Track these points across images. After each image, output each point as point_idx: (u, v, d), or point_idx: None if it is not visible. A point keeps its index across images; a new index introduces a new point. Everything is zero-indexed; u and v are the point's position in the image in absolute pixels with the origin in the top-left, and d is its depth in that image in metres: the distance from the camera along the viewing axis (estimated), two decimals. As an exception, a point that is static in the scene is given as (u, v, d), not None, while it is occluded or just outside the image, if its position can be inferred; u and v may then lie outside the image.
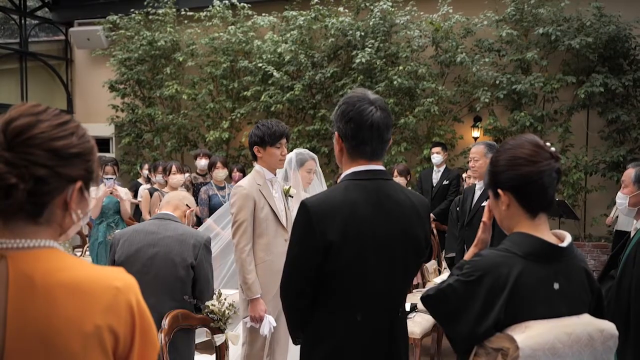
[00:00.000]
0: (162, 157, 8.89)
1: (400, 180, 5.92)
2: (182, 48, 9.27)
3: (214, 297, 3.13)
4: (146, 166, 7.63)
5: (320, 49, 8.29)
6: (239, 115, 8.65)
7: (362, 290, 1.90)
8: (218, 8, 8.82)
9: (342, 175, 2.00)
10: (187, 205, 3.24)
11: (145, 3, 9.30)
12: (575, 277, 1.60)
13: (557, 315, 1.52)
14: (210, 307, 3.05)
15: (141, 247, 2.98)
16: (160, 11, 9.22)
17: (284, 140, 3.27)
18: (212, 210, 5.57)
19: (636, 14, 7.04)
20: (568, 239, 1.62)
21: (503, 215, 1.65)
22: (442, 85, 7.77)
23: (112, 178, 5.50)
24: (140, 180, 7.87)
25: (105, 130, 9.90)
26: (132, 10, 9.41)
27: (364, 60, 7.56)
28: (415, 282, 5.16)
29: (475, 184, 4.18)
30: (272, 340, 3.32)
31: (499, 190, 1.62)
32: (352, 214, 1.86)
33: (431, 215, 5.48)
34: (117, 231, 4.86)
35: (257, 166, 3.33)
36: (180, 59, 9.02)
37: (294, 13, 8.32)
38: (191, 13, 9.01)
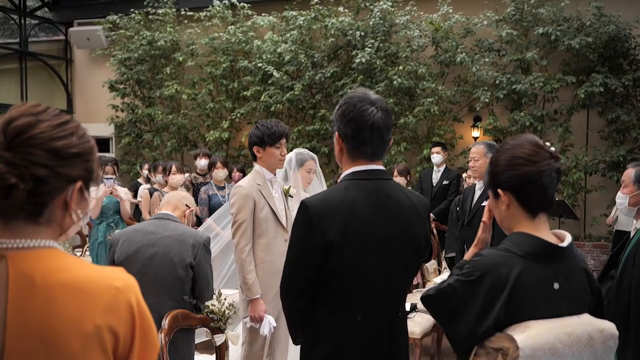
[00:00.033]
0: (162, 157, 8.89)
1: (400, 180, 5.92)
2: (182, 48, 9.26)
3: (214, 297, 3.13)
4: (146, 166, 7.63)
5: (320, 49, 8.29)
6: (238, 115, 8.65)
7: (362, 290, 1.89)
8: (218, 8, 8.82)
9: (342, 175, 2.00)
10: (186, 205, 3.24)
11: (145, 3, 9.30)
12: (576, 277, 1.60)
13: (557, 315, 1.52)
14: (210, 307, 3.05)
15: (140, 247, 2.98)
16: (160, 11, 9.21)
17: (283, 141, 3.26)
18: (212, 210, 5.57)
19: (636, 14, 7.04)
20: (568, 238, 1.62)
21: (503, 215, 1.65)
22: (442, 85, 7.77)
23: (112, 178, 5.50)
24: (140, 180, 7.87)
25: (105, 130, 9.90)
26: (132, 10, 9.41)
27: (363, 60, 7.56)
28: (415, 282, 5.16)
29: (475, 184, 4.18)
30: (272, 340, 3.32)
31: (499, 190, 1.62)
32: (352, 213, 1.86)
33: (431, 215, 5.49)
34: (116, 231, 4.87)
35: (256, 166, 3.33)
36: (180, 58, 9.02)
37: (294, 13, 8.32)
38: (191, 13, 9.01)
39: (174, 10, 9.21)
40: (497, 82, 7.31)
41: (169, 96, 9.04)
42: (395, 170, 6.17)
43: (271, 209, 3.25)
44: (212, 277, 3.13)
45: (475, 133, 7.97)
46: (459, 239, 4.20)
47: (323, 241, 1.84)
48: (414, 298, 4.32)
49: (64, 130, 1.09)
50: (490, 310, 1.51)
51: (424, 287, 5.15)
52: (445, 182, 6.51)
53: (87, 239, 6.28)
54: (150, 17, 9.29)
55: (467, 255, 1.72)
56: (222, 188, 5.91)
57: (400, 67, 7.56)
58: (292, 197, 3.54)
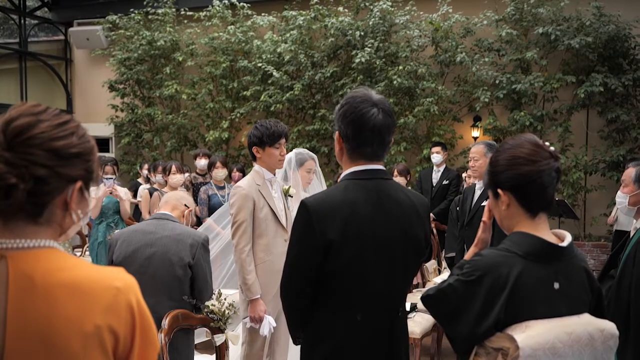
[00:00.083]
0: (162, 157, 8.89)
1: (400, 179, 5.92)
2: (181, 48, 9.26)
3: (214, 297, 3.13)
4: (146, 166, 7.63)
5: (319, 48, 8.29)
6: (238, 115, 8.65)
7: (362, 290, 1.89)
8: (217, 8, 8.82)
9: (342, 175, 2.00)
10: (185, 205, 3.24)
11: (144, 3, 9.30)
12: (576, 276, 1.60)
13: (558, 315, 1.52)
14: (210, 307, 3.05)
15: (139, 247, 2.98)
16: (159, 11, 9.21)
17: (283, 141, 3.26)
18: (211, 210, 5.57)
19: (636, 14, 7.04)
20: (568, 238, 1.61)
21: (503, 215, 1.65)
22: (441, 85, 7.77)
23: (111, 178, 5.49)
24: (139, 180, 7.87)
25: (105, 130, 9.90)
26: (131, 10, 9.41)
27: (363, 60, 7.56)
28: (415, 282, 5.16)
29: (475, 184, 4.18)
30: (272, 340, 3.32)
31: (499, 190, 1.62)
32: (352, 213, 1.86)
33: (431, 215, 5.49)
34: (116, 231, 4.86)
35: (256, 166, 3.32)
36: (180, 58, 9.02)
37: (294, 13, 8.32)
38: (191, 13, 9.01)
39: (173, 10, 9.21)
40: (497, 81, 7.32)
41: (168, 96, 9.04)
42: (395, 170, 6.17)
43: (271, 209, 3.24)
44: (211, 276, 3.12)
45: (475, 133, 7.97)
46: (459, 239, 4.20)
47: (323, 241, 1.83)
48: (414, 298, 4.32)
49: (64, 130, 1.09)
50: (491, 310, 1.50)
51: (424, 287, 5.15)
52: (445, 182, 6.51)
53: (87, 239, 6.28)
54: (149, 17, 9.28)
55: (467, 255, 1.72)
56: (222, 188, 5.91)
57: (400, 67, 7.56)
58: (291, 197, 3.54)
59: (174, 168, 5.48)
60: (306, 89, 8.30)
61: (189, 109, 9.13)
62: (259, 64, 8.32)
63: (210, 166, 6.02)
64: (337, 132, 1.96)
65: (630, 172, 2.96)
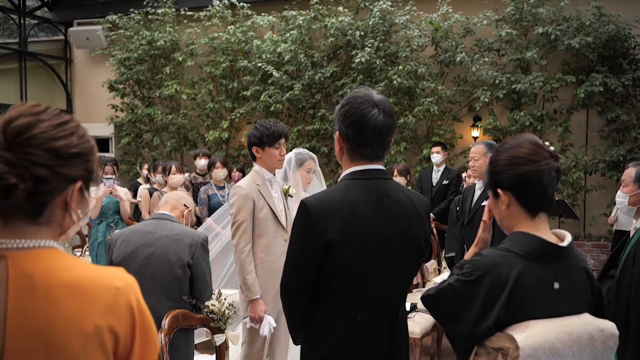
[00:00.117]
0: (162, 157, 8.89)
1: (400, 179, 5.93)
2: (181, 48, 9.26)
3: (214, 297, 3.13)
4: (146, 166, 7.63)
5: (319, 48, 8.29)
6: (238, 115, 8.65)
7: (362, 290, 1.89)
8: (217, 8, 8.82)
9: (342, 175, 2.00)
10: (184, 205, 3.24)
11: (144, 3, 9.29)
12: (576, 276, 1.60)
13: (557, 315, 1.52)
14: (210, 307, 3.05)
15: (137, 248, 2.98)
16: (159, 11, 9.21)
17: (282, 140, 3.26)
18: (211, 210, 5.57)
19: (635, 14, 7.04)
20: (568, 238, 1.61)
21: (503, 215, 1.65)
22: (441, 85, 7.77)
23: (111, 178, 5.49)
24: (139, 180, 7.87)
25: (105, 130, 9.90)
26: (131, 10, 9.41)
27: (363, 59, 7.56)
28: (415, 282, 5.16)
29: (475, 184, 4.18)
30: (272, 340, 3.32)
31: (499, 190, 1.62)
32: (352, 213, 1.86)
33: (431, 215, 5.49)
34: (115, 231, 4.87)
35: (256, 166, 3.32)
36: (180, 58, 9.02)
37: (294, 13, 8.32)
38: (190, 13, 9.01)
39: (173, 10, 9.21)
40: (497, 81, 7.32)
41: (168, 96, 9.04)
42: (395, 170, 6.17)
43: (271, 209, 3.24)
44: (210, 276, 3.12)
45: (475, 133, 7.97)
46: (458, 239, 4.20)
47: (323, 241, 1.83)
48: (414, 298, 4.32)
49: (64, 130, 1.09)
50: (491, 310, 1.50)
51: (424, 287, 5.15)
52: (445, 182, 6.51)
53: (86, 239, 6.28)
54: (149, 17, 9.28)
55: (468, 255, 1.72)
56: (222, 188, 5.90)
57: (400, 67, 7.56)
58: (291, 196, 3.54)
59: (173, 168, 5.48)
60: (306, 89, 8.30)
61: (188, 109, 9.13)
62: (259, 64, 8.32)
63: (210, 166, 6.02)
64: (337, 132, 1.95)
65: (630, 171, 2.96)
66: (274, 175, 3.38)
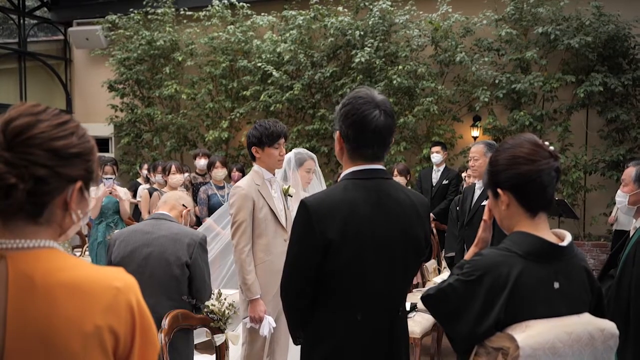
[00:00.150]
0: (162, 157, 8.89)
1: (400, 179, 5.93)
2: (181, 48, 9.26)
3: (214, 297, 3.13)
4: (145, 166, 7.63)
5: (319, 48, 8.29)
6: (238, 114, 8.65)
7: (361, 290, 1.89)
8: (217, 7, 8.82)
9: (342, 175, 2.00)
10: (183, 205, 3.24)
11: (144, 3, 9.29)
12: (576, 276, 1.60)
13: (557, 314, 1.52)
14: (210, 307, 3.05)
15: (136, 248, 2.98)
16: (159, 11, 9.21)
17: (282, 140, 3.25)
18: (211, 210, 5.57)
19: (635, 13, 7.04)
20: (568, 238, 1.61)
21: (503, 215, 1.65)
22: (441, 85, 7.77)
23: (111, 178, 5.49)
24: (139, 180, 7.86)
25: (105, 130, 9.90)
26: (131, 10, 9.40)
27: (363, 59, 7.56)
28: (415, 281, 5.16)
29: (475, 183, 4.18)
30: (272, 340, 3.32)
31: (499, 190, 1.62)
32: (351, 213, 1.86)
33: (431, 214, 5.48)
34: (115, 232, 4.87)
35: (255, 166, 3.32)
36: (180, 58, 9.02)
37: (293, 13, 8.32)
38: (190, 13, 9.01)
39: (173, 10, 9.20)
40: (497, 81, 7.32)
41: (168, 96, 9.04)
42: (395, 170, 6.17)
43: (270, 209, 3.24)
44: (209, 276, 3.12)
45: (475, 132, 7.97)
46: (458, 239, 4.20)
47: (322, 240, 1.83)
48: (414, 298, 4.32)
49: (64, 130, 1.09)
50: (491, 310, 1.50)
51: (424, 286, 5.15)
52: (445, 182, 6.52)
53: (86, 239, 6.28)
54: (149, 16, 9.28)
55: (468, 255, 1.72)
56: (222, 188, 5.90)
57: (400, 67, 7.56)
58: (291, 196, 3.54)
59: (173, 168, 5.48)
60: (306, 89, 8.30)
61: (188, 108, 9.13)
62: (259, 64, 8.32)
63: (210, 166, 6.02)
64: (337, 132, 1.95)
65: (630, 171, 2.97)
66: (274, 175, 3.38)
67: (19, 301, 1.04)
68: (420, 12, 7.90)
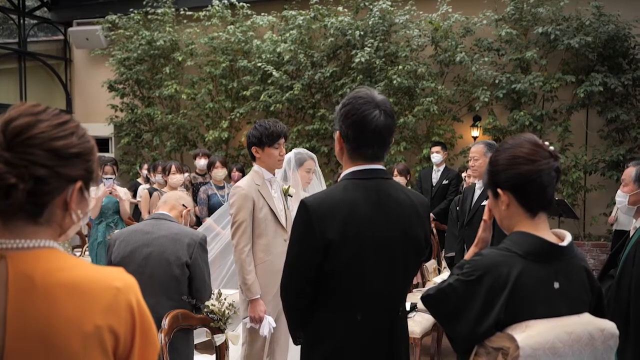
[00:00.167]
0: (162, 157, 8.89)
1: (400, 179, 5.92)
2: (181, 48, 9.26)
3: (214, 297, 3.13)
4: (145, 166, 7.63)
5: (319, 48, 8.29)
6: (238, 114, 8.65)
7: (361, 290, 1.89)
8: (217, 8, 8.82)
9: (342, 175, 2.00)
10: (183, 205, 3.24)
11: (144, 3, 9.29)
12: (576, 276, 1.60)
13: (557, 314, 1.52)
14: (210, 307, 3.05)
15: (136, 248, 2.98)
16: (159, 11, 9.21)
17: (282, 140, 3.25)
18: (211, 210, 5.57)
19: (635, 13, 7.04)
20: (568, 238, 1.61)
21: (503, 215, 1.65)
22: (441, 85, 7.77)
23: (111, 178, 5.49)
24: (139, 180, 7.86)
25: (105, 130, 9.90)
26: (131, 10, 9.40)
27: (363, 59, 7.56)
28: (415, 282, 5.16)
29: (475, 183, 4.18)
30: (272, 341, 3.32)
31: (499, 190, 1.62)
32: (351, 213, 1.86)
33: (431, 214, 5.49)
34: (115, 232, 4.87)
35: (255, 166, 3.32)
36: (180, 58, 9.02)
37: (293, 13, 8.32)
38: (190, 13, 9.01)
39: (173, 10, 9.20)
40: (497, 81, 7.32)
41: (168, 96, 9.04)
42: (395, 170, 6.17)
43: (270, 209, 3.24)
44: (209, 276, 3.12)
45: (475, 132, 7.97)
46: (458, 239, 4.20)
47: (322, 240, 1.83)
48: (414, 298, 4.32)
49: (64, 130, 1.09)
50: (491, 310, 1.50)
51: (423, 286, 5.15)
52: (445, 182, 6.52)
53: (86, 239, 6.28)
54: (149, 16, 9.28)
55: (468, 255, 1.72)
56: (222, 188, 5.90)
57: (400, 67, 7.56)
58: (291, 196, 3.54)
59: (173, 168, 5.48)
60: (306, 89, 8.30)
61: (188, 108, 9.13)
62: (259, 64, 8.32)
63: (210, 166, 6.02)
64: (337, 132, 1.95)
65: (630, 171, 2.97)
66: (274, 175, 3.38)
67: (19, 301, 1.04)
68: (420, 12, 7.91)
